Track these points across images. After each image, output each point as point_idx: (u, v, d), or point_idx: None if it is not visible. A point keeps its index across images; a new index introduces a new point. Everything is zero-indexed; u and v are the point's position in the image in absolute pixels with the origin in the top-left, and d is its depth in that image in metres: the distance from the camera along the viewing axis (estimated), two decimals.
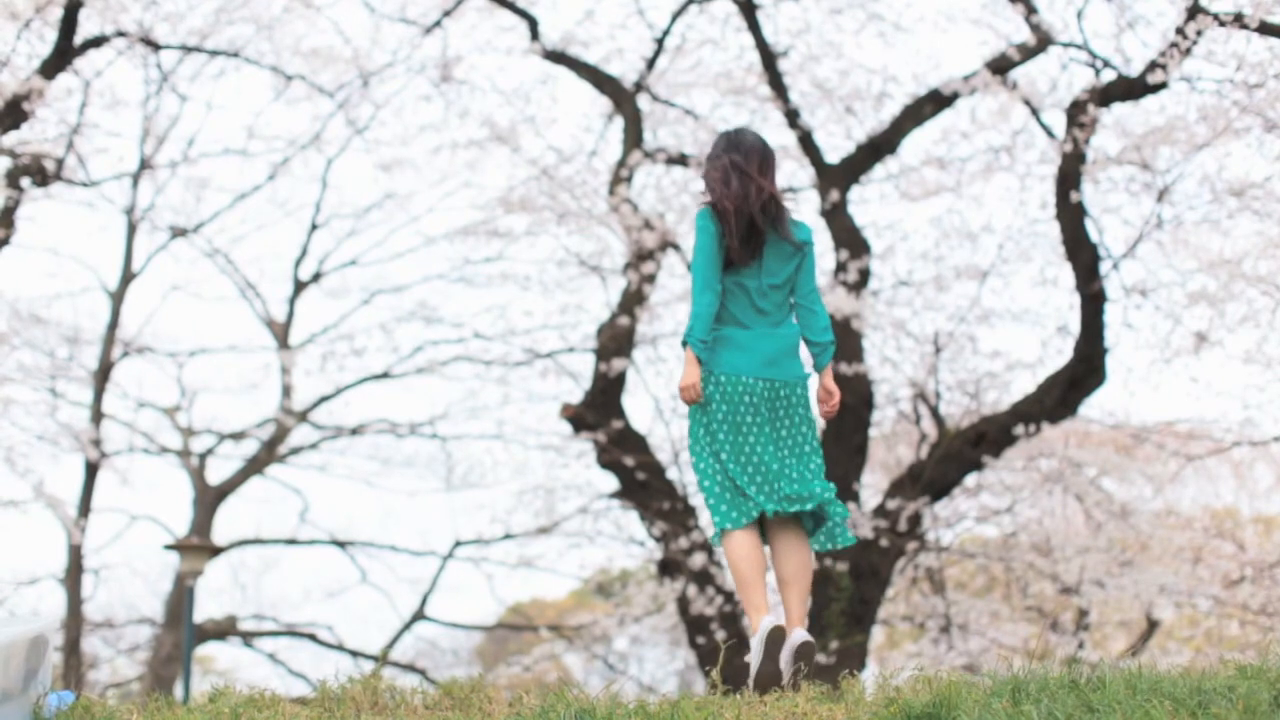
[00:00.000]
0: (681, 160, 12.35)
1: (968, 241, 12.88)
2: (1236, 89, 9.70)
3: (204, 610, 18.33)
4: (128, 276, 16.62)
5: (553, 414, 15.10)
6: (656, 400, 13.08)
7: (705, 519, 11.60)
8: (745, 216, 4.80)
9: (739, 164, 4.88)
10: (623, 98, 12.33)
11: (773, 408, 4.81)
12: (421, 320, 16.90)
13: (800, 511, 4.78)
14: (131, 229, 16.62)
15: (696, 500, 11.81)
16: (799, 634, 4.57)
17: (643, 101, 12.45)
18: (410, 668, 17.58)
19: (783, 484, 4.75)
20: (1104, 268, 11.25)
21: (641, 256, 11.93)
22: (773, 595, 6.51)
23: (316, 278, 18.09)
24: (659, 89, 12.67)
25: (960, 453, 11.69)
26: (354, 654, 17.42)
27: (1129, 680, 3.82)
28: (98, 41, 11.82)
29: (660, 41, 12.49)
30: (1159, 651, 14.51)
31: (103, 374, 16.19)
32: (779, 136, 12.73)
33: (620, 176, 12.04)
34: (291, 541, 18.65)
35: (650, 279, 12.10)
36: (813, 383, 5.00)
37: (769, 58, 11.95)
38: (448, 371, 17.06)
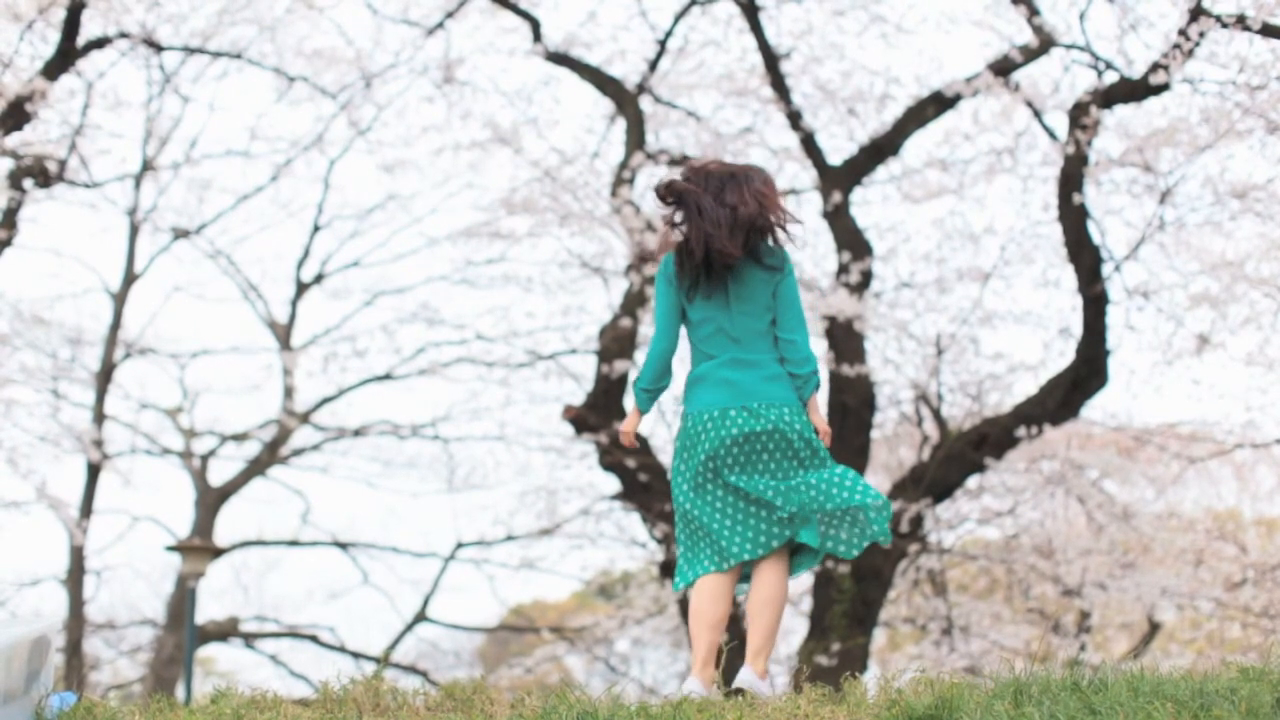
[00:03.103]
0: (684, 162, 12.34)
1: (970, 243, 12.89)
2: (1239, 91, 9.70)
3: (206, 611, 18.35)
4: (130, 278, 16.62)
5: (555, 415, 15.11)
6: (658, 402, 13.08)
7: None
8: (728, 218, 4.55)
9: (719, 171, 4.66)
10: (625, 99, 12.34)
11: (750, 440, 4.51)
12: (424, 322, 16.90)
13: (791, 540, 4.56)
14: (134, 230, 16.62)
15: None
16: (742, 674, 4.37)
17: (645, 103, 12.46)
18: (412, 669, 17.59)
19: (767, 512, 4.50)
20: (1106, 270, 11.26)
21: (644, 258, 11.94)
22: None
23: (319, 279, 18.09)
24: (661, 90, 12.67)
25: (962, 454, 11.70)
26: (356, 655, 17.43)
27: (1131, 682, 3.82)
28: (100, 43, 11.83)
29: (663, 43, 12.50)
30: (1161, 654, 14.51)
31: (105, 375, 16.19)
32: (781, 138, 12.74)
33: (622, 178, 12.05)
34: (293, 543, 18.66)
35: (653, 281, 12.10)
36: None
37: (771, 59, 11.95)
38: (450, 373, 17.07)
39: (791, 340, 4.60)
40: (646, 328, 12.46)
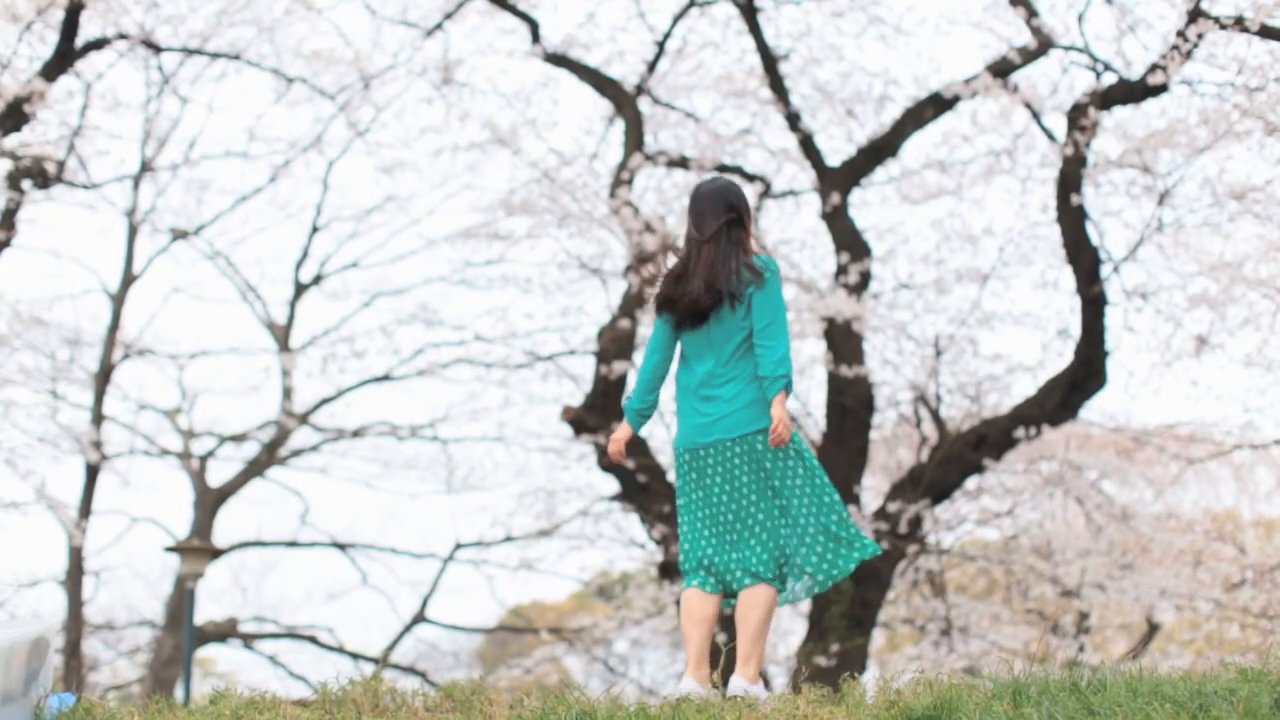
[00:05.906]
0: (682, 163, 12.35)
1: (968, 244, 12.89)
2: (1237, 92, 9.71)
3: (204, 612, 18.34)
4: (129, 279, 16.61)
5: (553, 416, 15.11)
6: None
7: None
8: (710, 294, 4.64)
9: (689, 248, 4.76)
10: (624, 100, 12.34)
11: (729, 471, 4.62)
12: (422, 323, 16.90)
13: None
14: (132, 231, 16.61)
15: None
16: (734, 683, 4.44)
17: (644, 104, 12.46)
18: (411, 670, 17.57)
19: (738, 555, 4.62)
20: (1105, 271, 11.26)
21: (642, 259, 11.93)
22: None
23: (317, 280, 18.07)
24: (660, 92, 12.67)
25: (961, 455, 11.70)
26: (355, 656, 17.42)
27: (1130, 683, 3.82)
28: (99, 44, 11.84)
29: (661, 44, 12.50)
30: (1159, 655, 14.51)
31: (104, 376, 16.18)
32: (780, 139, 12.74)
33: (621, 179, 12.05)
34: (292, 544, 18.64)
35: (651, 281, 12.09)
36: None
37: (770, 60, 11.95)
38: (448, 374, 17.06)
39: (764, 344, 4.59)
40: (645, 329, 12.47)
